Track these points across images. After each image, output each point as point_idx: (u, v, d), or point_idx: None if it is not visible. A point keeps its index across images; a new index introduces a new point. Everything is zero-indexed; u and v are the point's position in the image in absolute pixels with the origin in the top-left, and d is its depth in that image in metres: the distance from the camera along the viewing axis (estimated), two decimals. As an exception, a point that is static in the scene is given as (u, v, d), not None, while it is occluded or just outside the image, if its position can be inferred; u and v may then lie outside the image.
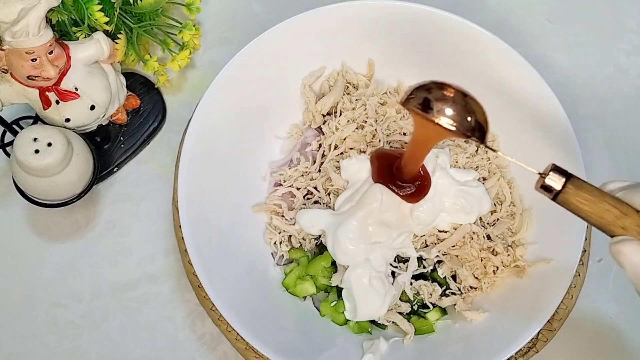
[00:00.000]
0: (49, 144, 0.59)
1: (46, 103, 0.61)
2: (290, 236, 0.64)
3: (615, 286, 0.67)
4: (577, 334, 0.65)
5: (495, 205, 0.63)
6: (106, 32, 0.63)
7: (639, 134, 0.73)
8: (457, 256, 0.61)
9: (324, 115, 0.68)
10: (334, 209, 0.62)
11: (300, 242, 0.64)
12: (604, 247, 0.67)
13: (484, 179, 0.64)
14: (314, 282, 0.62)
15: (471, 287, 0.61)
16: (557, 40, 0.77)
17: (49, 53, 0.57)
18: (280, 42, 0.64)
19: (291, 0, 0.77)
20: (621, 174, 0.71)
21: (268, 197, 0.66)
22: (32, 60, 0.57)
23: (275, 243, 0.64)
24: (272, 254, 0.64)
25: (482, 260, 0.61)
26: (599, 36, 0.77)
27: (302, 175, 0.66)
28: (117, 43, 0.64)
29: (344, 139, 0.65)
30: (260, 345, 0.55)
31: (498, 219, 0.63)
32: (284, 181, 0.66)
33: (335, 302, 0.62)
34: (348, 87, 0.68)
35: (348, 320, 0.61)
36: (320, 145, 0.66)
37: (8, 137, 0.66)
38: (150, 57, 0.68)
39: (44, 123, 0.65)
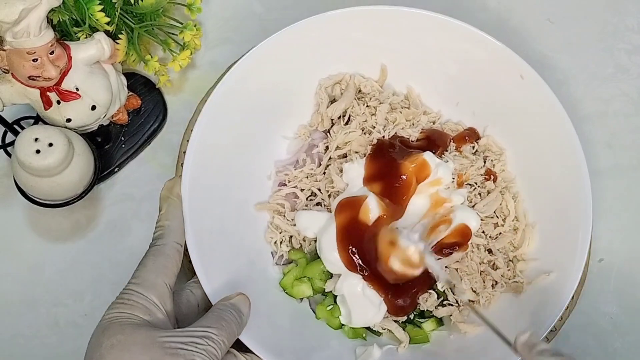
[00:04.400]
0: (50, 144, 0.59)
1: (47, 103, 0.61)
2: (291, 236, 0.64)
3: (616, 286, 0.67)
4: (578, 334, 0.65)
5: (497, 217, 0.63)
6: (107, 33, 0.63)
7: (640, 133, 0.73)
8: (456, 269, 0.61)
9: (332, 119, 0.67)
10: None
11: (300, 243, 0.64)
12: (605, 247, 0.68)
13: (488, 192, 0.64)
14: (311, 284, 0.62)
15: (470, 301, 0.61)
16: (557, 40, 0.77)
17: (50, 53, 0.57)
18: (295, 42, 0.64)
19: (292, 1, 0.77)
20: (622, 174, 0.71)
21: (272, 196, 0.66)
22: (33, 60, 0.57)
23: (275, 242, 0.64)
24: (272, 252, 0.64)
25: (481, 273, 0.61)
26: (600, 36, 0.77)
27: (307, 177, 0.65)
28: (118, 43, 0.64)
29: (348, 142, 0.65)
30: (253, 344, 0.54)
31: (501, 233, 0.63)
32: (289, 181, 0.66)
33: (331, 306, 0.61)
34: (360, 91, 0.68)
35: (343, 324, 0.61)
36: (327, 147, 0.66)
37: (9, 137, 0.66)
38: (151, 57, 0.68)
39: (45, 123, 0.65)
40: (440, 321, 0.62)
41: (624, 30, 0.77)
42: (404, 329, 0.61)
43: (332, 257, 0.59)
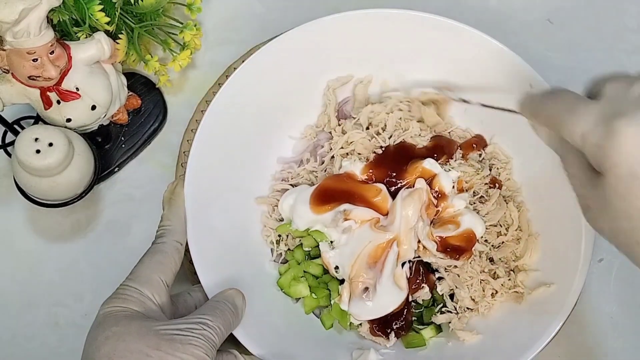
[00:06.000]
0: (50, 144, 0.59)
1: (47, 103, 0.61)
2: (287, 235, 0.64)
3: (616, 286, 0.67)
4: (577, 334, 0.65)
5: (501, 226, 0.63)
6: (107, 32, 0.63)
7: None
8: (458, 275, 0.61)
9: (339, 120, 0.67)
10: None
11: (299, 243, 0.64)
12: (605, 247, 0.68)
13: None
14: (308, 284, 0.62)
15: (468, 309, 0.61)
16: (557, 40, 0.77)
17: (50, 53, 0.57)
18: (304, 43, 0.64)
19: (293, 1, 0.77)
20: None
21: (271, 190, 0.66)
22: (33, 60, 0.57)
23: (272, 241, 0.64)
24: (271, 250, 0.64)
25: (481, 282, 0.61)
26: (600, 36, 0.77)
27: (308, 174, 0.66)
28: (118, 43, 0.64)
29: (352, 142, 0.65)
30: (249, 342, 0.55)
31: (503, 242, 0.63)
32: (292, 178, 0.66)
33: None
34: (369, 97, 0.68)
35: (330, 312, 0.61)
36: (331, 148, 0.66)
37: (9, 137, 0.66)
38: (151, 57, 0.68)
39: (45, 123, 0.65)
40: (438, 328, 0.61)
41: (624, 30, 0.77)
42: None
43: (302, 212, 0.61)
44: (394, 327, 0.60)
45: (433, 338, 0.61)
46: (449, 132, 0.67)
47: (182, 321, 0.48)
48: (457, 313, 0.61)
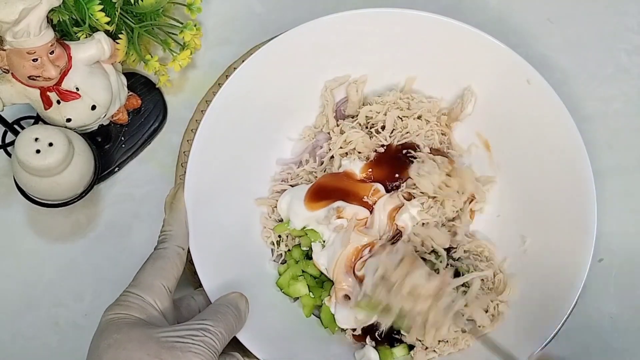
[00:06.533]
0: (50, 144, 0.59)
1: (47, 103, 0.61)
2: (287, 235, 0.64)
3: (616, 286, 0.67)
4: (578, 334, 0.65)
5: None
6: (107, 32, 0.63)
7: (641, 133, 0.73)
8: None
9: (337, 120, 0.67)
10: None
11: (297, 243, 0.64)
12: (605, 247, 0.68)
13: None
14: (307, 283, 0.62)
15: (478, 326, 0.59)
16: (557, 40, 0.77)
17: (50, 53, 0.57)
18: (301, 44, 0.64)
19: (292, 1, 0.77)
20: (623, 174, 0.71)
21: (271, 192, 0.66)
22: (33, 60, 0.57)
23: (272, 242, 0.64)
24: (272, 250, 0.65)
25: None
26: (600, 36, 0.77)
27: (308, 174, 0.66)
28: (118, 43, 0.64)
29: (350, 142, 0.65)
30: (251, 344, 0.55)
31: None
32: (291, 179, 0.66)
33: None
34: (366, 97, 0.68)
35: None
36: (330, 149, 0.66)
37: (9, 137, 0.66)
38: (151, 57, 0.68)
39: (45, 123, 0.65)
40: (411, 346, 0.60)
41: (623, 30, 0.77)
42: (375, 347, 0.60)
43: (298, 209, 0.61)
44: (376, 336, 0.60)
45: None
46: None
47: (183, 327, 0.48)
48: (424, 346, 0.59)
